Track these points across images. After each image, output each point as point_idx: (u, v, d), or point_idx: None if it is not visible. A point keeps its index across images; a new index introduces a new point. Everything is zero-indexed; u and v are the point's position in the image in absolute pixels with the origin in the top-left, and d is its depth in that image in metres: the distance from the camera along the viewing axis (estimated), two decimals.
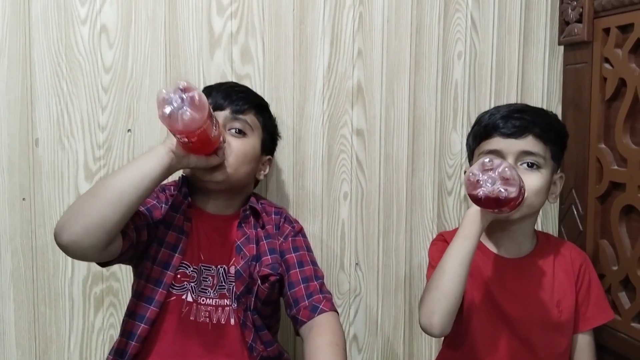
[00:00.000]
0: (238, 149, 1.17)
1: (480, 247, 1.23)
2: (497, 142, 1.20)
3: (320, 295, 1.16)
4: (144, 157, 1.07)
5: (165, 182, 1.26)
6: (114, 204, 1.01)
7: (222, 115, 1.18)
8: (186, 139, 1.04)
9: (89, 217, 1.00)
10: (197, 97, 1.01)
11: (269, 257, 1.19)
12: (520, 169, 1.18)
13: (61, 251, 1.33)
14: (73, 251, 1.03)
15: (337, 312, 1.17)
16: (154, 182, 1.05)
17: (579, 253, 1.30)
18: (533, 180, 1.18)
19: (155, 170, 1.04)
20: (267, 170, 1.29)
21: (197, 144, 1.06)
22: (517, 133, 1.19)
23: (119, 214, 1.01)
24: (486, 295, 1.23)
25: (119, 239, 1.06)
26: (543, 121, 1.22)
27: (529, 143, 1.19)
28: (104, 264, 1.12)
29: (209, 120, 1.04)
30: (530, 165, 1.19)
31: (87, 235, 1.00)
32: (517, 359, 1.22)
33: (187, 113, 1.00)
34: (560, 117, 1.46)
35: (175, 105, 1.00)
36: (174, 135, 1.05)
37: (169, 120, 1.01)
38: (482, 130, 1.24)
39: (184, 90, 1.01)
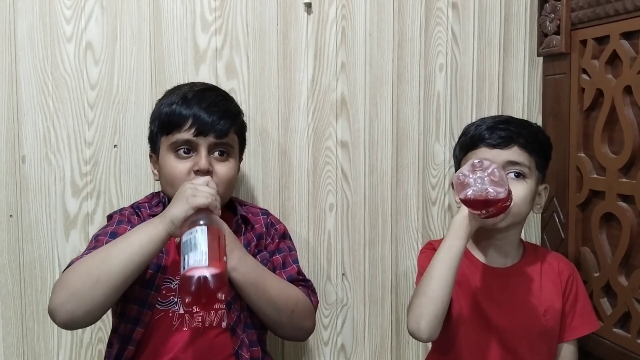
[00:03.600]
0: (225, 176, 1.19)
1: (468, 255, 1.25)
2: (483, 153, 1.23)
3: (303, 285, 1.26)
4: (144, 238, 1.07)
5: (137, 200, 1.28)
6: (118, 287, 1.05)
7: (205, 140, 1.18)
8: None
9: (90, 302, 1.03)
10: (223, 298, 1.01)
11: (258, 256, 1.23)
12: None
13: (49, 267, 1.36)
14: (69, 328, 1.08)
15: (312, 301, 1.25)
16: (154, 255, 1.09)
17: (567, 264, 1.32)
18: (518, 190, 1.20)
19: (156, 249, 1.07)
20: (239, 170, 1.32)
21: None
22: (502, 144, 1.22)
23: (120, 292, 1.06)
24: (473, 304, 1.24)
25: None
26: (527, 132, 1.25)
27: (514, 153, 1.22)
28: None
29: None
30: (516, 175, 1.22)
31: (87, 317, 1.05)
32: None
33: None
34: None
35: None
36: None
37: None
38: (469, 141, 1.26)
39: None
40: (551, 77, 1.50)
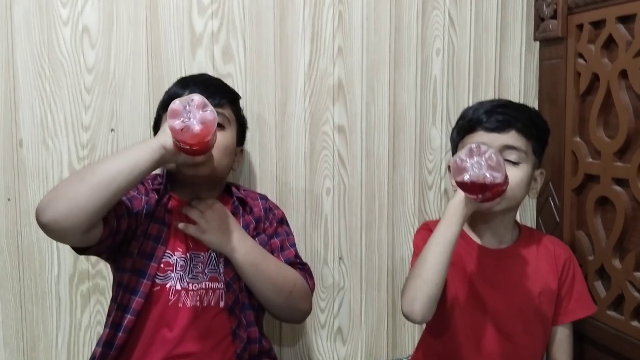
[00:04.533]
0: (220, 143, 1.20)
1: (463, 236, 1.26)
2: (480, 136, 1.23)
3: (300, 268, 1.28)
4: (136, 148, 1.08)
5: None
6: (101, 189, 1.03)
7: None
8: (188, 147, 1.06)
9: (73, 199, 1.02)
10: (210, 116, 1.04)
11: (256, 238, 1.25)
12: None
13: (47, 250, 1.37)
14: (53, 230, 1.04)
15: (310, 284, 1.27)
16: (142, 174, 1.07)
17: (564, 248, 1.33)
18: (515, 174, 1.20)
19: (146, 163, 1.06)
20: (240, 160, 1.34)
21: (196, 151, 1.09)
22: (500, 128, 1.22)
23: (104, 199, 1.04)
24: (468, 285, 1.26)
25: (99, 225, 1.08)
26: (525, 116, 1.25)
27: (511, 137, 1.22)
28: (80, 251, 1.14)
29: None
30: (513, 160, 1.22)
31: (69, 216, 1.02)
32: (497, 348, 1.25)
33: (197, 128, 1.03)
34: None
35: (188, 119, 1.04)
36: (177, 141, 1.06)
37: (180, 133, 1.04)
38: (467, 125, 1.27)
39: (198, 106, 1.05)
40: (547, 62, 1.50)
